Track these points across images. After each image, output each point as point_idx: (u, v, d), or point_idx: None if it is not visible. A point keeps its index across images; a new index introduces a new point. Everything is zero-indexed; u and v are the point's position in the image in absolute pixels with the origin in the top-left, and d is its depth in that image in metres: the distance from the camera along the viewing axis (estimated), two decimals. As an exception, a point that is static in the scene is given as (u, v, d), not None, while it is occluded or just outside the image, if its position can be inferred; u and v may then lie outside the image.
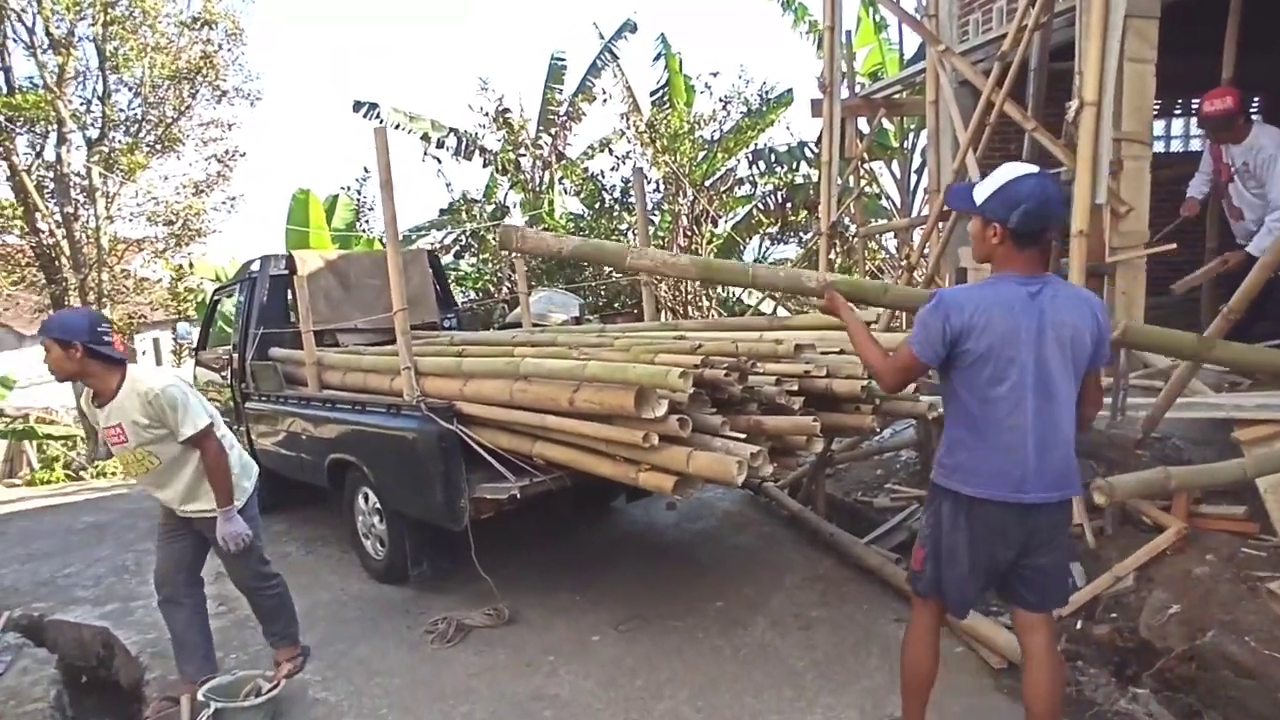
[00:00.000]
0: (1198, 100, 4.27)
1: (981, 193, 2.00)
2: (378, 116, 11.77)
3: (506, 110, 11.66)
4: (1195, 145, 7.40)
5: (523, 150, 12.00)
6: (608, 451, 2.93)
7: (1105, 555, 3.16)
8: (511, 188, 12.49)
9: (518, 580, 4.04)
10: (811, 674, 3.01)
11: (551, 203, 11.98)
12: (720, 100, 10.92)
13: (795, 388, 2.93)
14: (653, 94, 11.92)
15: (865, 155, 8.20)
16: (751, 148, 11.24)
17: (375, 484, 4.15)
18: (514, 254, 11.01)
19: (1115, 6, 3.09)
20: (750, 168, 11.48)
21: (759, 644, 3.29)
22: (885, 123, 10.15)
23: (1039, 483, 1.96)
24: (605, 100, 11.90)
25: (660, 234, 11.09)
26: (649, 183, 11.13)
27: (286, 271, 5.60)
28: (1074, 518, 2.13)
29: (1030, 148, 4.48)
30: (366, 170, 12.88)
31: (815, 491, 4.71)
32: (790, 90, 11.13)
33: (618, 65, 11.94)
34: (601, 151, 11.80)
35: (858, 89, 7.94)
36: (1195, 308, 5.18)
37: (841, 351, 3.41)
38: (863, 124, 8.41)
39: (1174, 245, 3.99)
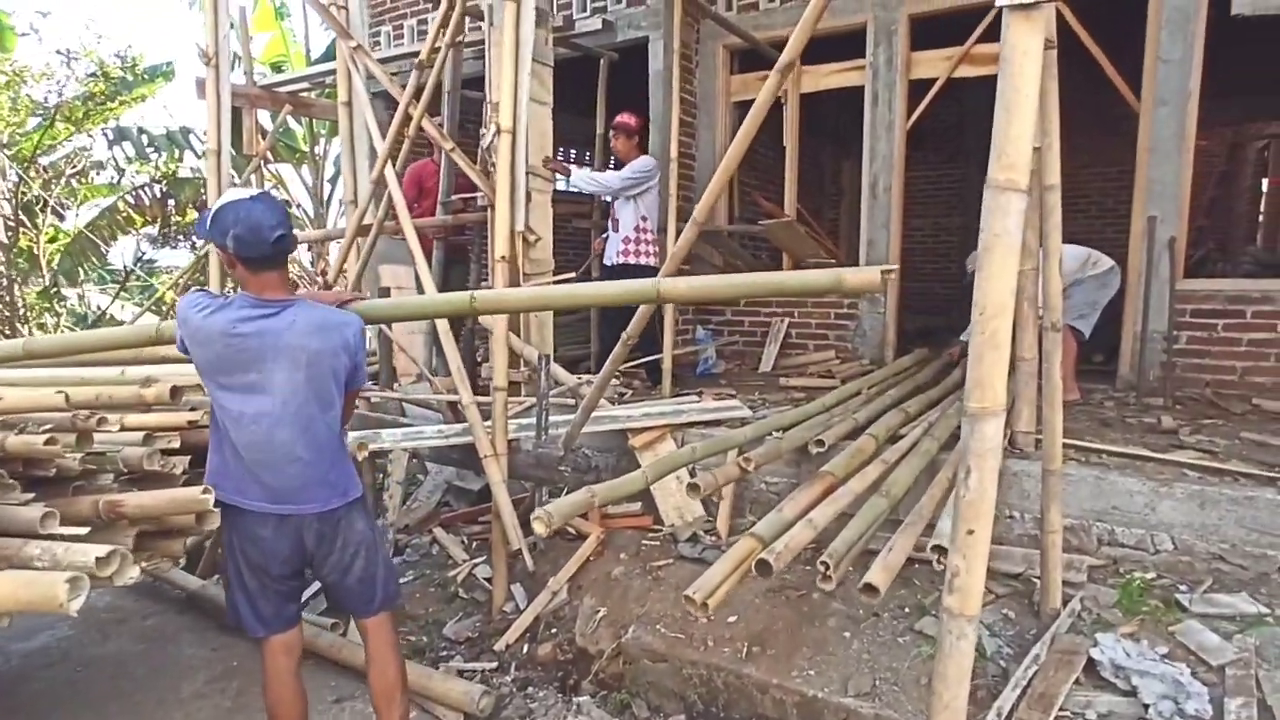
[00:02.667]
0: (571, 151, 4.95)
1: (210, 219, 2.04)
2: None
3: None
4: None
5: None
6: None
7: (541, 572, 3.25)
8: None
9: None
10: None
11: None
12: (62, 55, 8.37)
13: (177, 444, 2.13)
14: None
15: (270, 155, 7.33)
16: (113, 125, 8.94)
17: None
18: None
19: (524, 43, 3.19)
20: (111, 149, 9.11)
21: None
22: (294, 123, 9.38)
23: (277, 496, 2.02)
24: None
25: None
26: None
27: None
28: (358, 527, 2.17)
29: (448, 169, 4.49)
30: None
31: (219, 556, 3.79)
32: (170, 63, 9.26)
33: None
34: None
35: (258, 78, 7.01)
36: (586, 324, 6.00)
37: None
38: (266, 119, 7.48)
39: (574, 275, 4.46)
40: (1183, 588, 2.54)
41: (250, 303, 1.99)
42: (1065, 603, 2.42)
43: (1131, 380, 4.27)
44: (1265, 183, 8.50)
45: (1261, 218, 8.60)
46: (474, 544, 3.84)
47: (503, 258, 3.07)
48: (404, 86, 3.81)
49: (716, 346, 5.64)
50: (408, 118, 3.47)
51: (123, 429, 2.16)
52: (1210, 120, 4.25)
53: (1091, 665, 2.14)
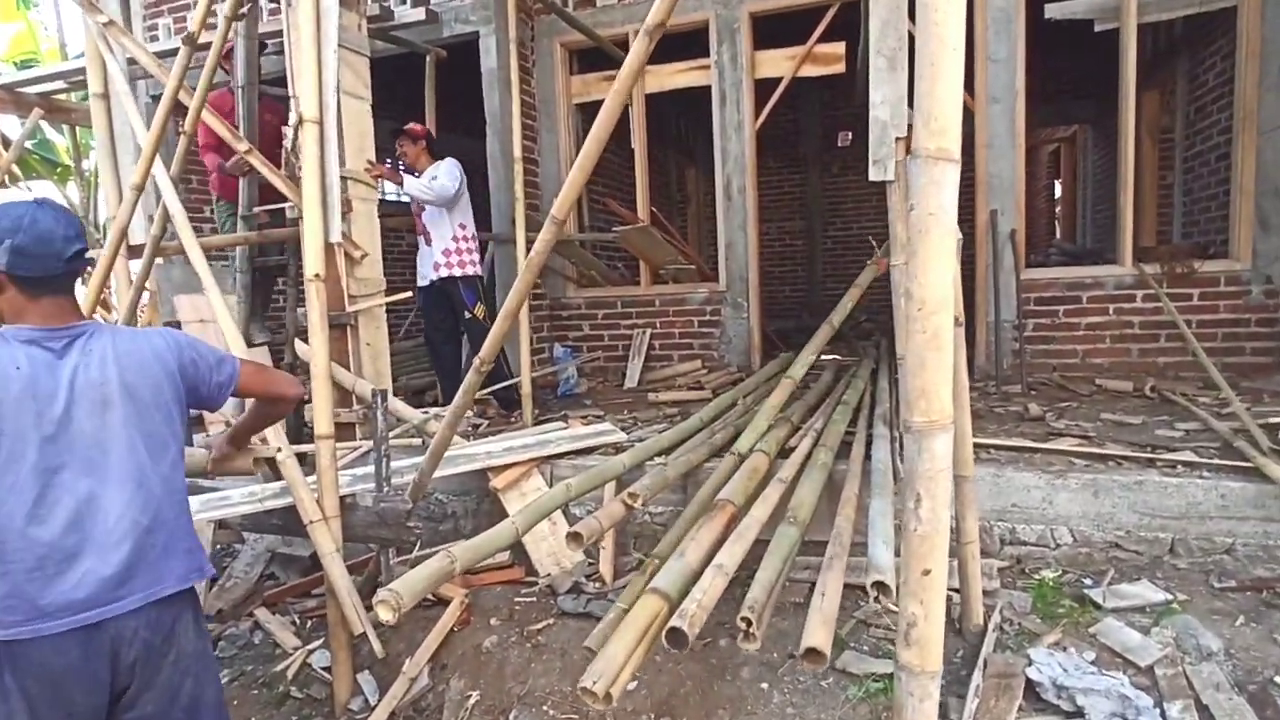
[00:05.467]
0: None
1: None
2: None
3: None
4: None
5: None
6: None
7: (394, 654, 2.68)
8: None
9: None
10: None
11: None
12: None
13: None
14: None
15: (17, 169, 6.09)
16: None
17: None
18: None
19: (326, 13, 2.65)
20: None
21: None
22: (54, 133, 7.93)
23: (94, 594, 1.42)
24: None
25: None
26: None
27: None
28: (192, 634, 1.61)
29: (249, 179, 3.79)
30: None
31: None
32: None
33: None
34: None
35: None
36: (423, 351, 5.40)
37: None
38: (13, 126, 6.24)
39: (410, 294, 3.91)
40: (1087, 581, 2.45)
41: (29, 335, 1.47)
42: (987, 617, 2.25)
43: (989, 370, 4.36)
44: (1058, 184, 9.41)
45: (1058, 214, 9.51)
46: (308, 624, 3.18)
47: (316, 276, 2.50)
48: (192, 87, 3.10)
49: (577, 364, 5.24)
50: (182, 109, 2.79)
51: None
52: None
53: (1031, 686, 1.95)
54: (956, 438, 2.17)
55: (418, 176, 4.30)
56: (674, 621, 1.61)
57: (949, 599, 2.38)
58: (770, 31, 4.87)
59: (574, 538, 2.14)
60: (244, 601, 3.41)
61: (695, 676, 2.25)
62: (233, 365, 1.73)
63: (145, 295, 3.37)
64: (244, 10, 3.06)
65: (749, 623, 1.68)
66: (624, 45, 5.04)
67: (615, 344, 5.47)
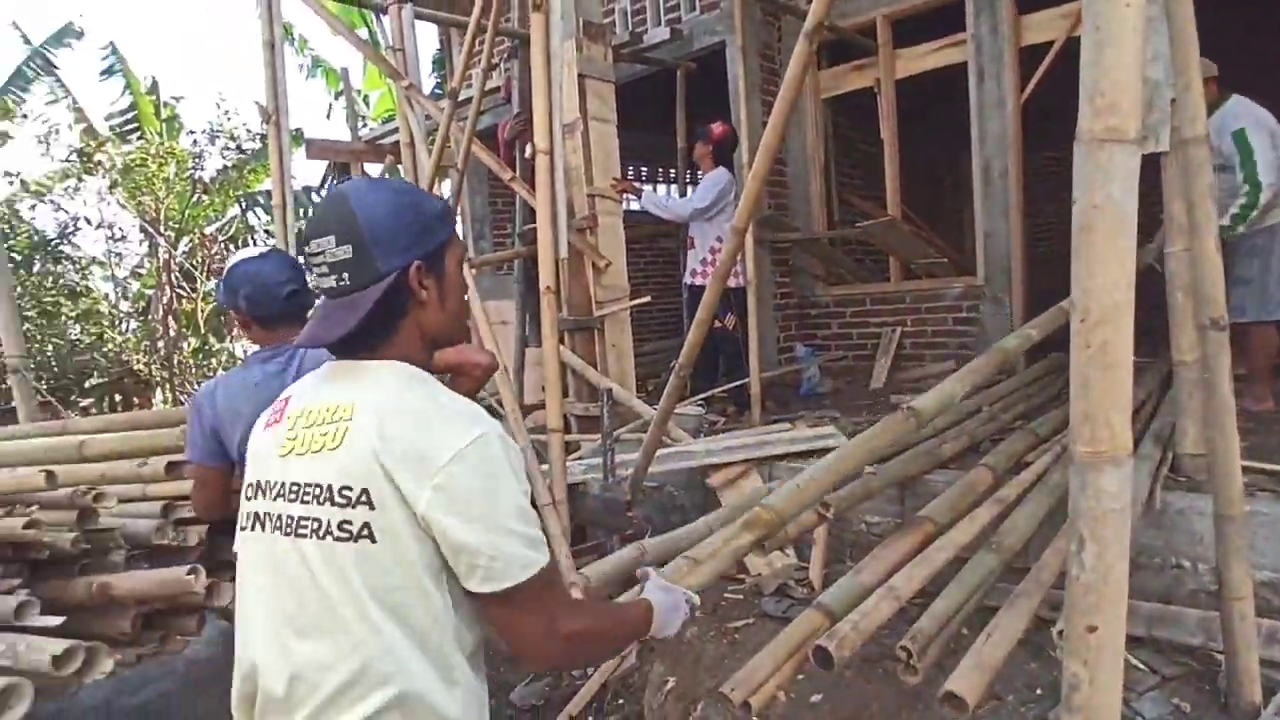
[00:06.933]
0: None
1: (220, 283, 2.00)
2: None
3: None
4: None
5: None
6: None
7: (611, 631, 2.95)
8: None
9: None
10: None
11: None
12: (208, 133, 9.19)
13: (189, 513, 2.02)
14: (111, 119, 9.55)
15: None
16: (248, 192, 9.73)
17: None
18: None
19: (555, 55, 2.98)
20: (246, 214, 9.92)
21: None
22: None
23: None
24: (54, 131, 8.84)
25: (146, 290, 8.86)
26: (110, 229, 8.75)
27: None
28: None
29: (523, 201, 4.37)
30: None
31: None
32: (300, 130, 10.00)
33: (60, 81, 9.27)
34: (33, 193, 8.85)
35: (368, 132, 7.36)
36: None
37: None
38: (376, 171, 7.80)
39: (649, 298, 4.19)
40: None
41: (263, 355, 1.89)
42: (1269, 693, 1.81)
43: (1345, 378, 3.39)
44: None
45: None
46: (555, 593, 3.61)
47: (548, 288, 2.83)
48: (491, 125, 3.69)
49: (821, 363, 5.14)
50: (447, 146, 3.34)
51: (145, 499, 2.10)
52: None
53: (1308, 790, 1.55)
54: (1219, 469, 1.79)
55: (702, 176, 4.55)
56: (821, 640, 1.58)
57: (1214, 661, 1.98)
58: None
59: (756, 545, 2.18)
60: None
61: (883, 699, 2.15)
62: None
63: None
64: (498, 63, 3.55)
65: (908, 653, 1.58)
66: (870, 33, 4.82)
67: (864, 342, 5.26)
